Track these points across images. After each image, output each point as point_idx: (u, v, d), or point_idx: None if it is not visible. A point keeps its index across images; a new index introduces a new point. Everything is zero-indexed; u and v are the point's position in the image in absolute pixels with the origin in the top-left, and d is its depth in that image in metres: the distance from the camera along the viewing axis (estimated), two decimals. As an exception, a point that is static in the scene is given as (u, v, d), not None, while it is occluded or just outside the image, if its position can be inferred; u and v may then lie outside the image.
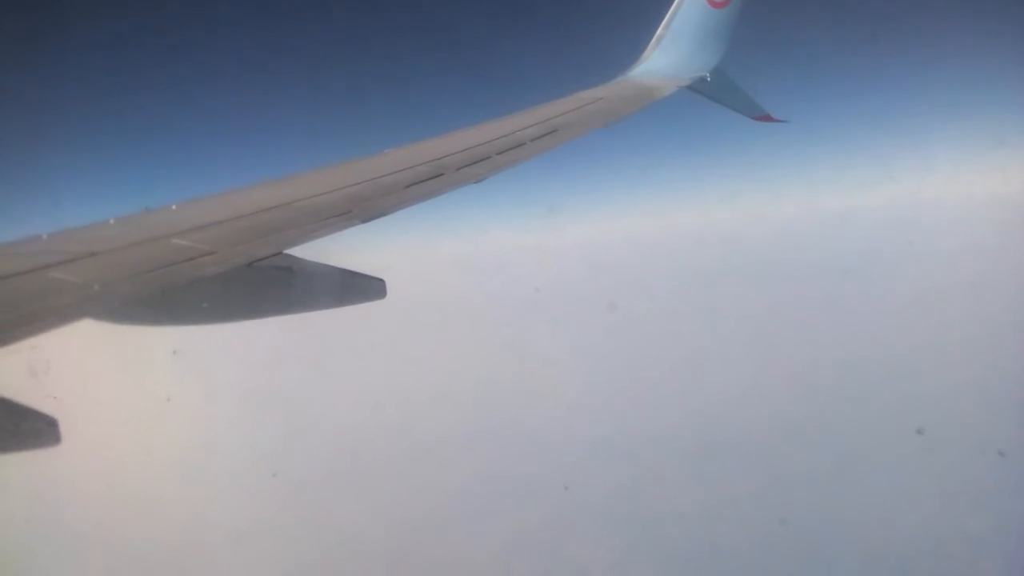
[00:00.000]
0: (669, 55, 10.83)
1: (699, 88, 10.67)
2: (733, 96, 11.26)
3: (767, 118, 11.31)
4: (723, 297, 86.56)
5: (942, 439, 39.43)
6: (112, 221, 5.13)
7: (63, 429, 3.53)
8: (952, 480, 36.65)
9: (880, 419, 42.81)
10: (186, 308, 4.76)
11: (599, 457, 43.78)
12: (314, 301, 5.17)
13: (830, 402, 47.50)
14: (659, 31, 10.94)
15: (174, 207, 5.48)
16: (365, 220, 5.18)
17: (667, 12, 10.96)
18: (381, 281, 5.26)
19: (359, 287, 5.24)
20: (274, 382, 54.99)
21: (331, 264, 5.12)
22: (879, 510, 35.51)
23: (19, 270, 4.04)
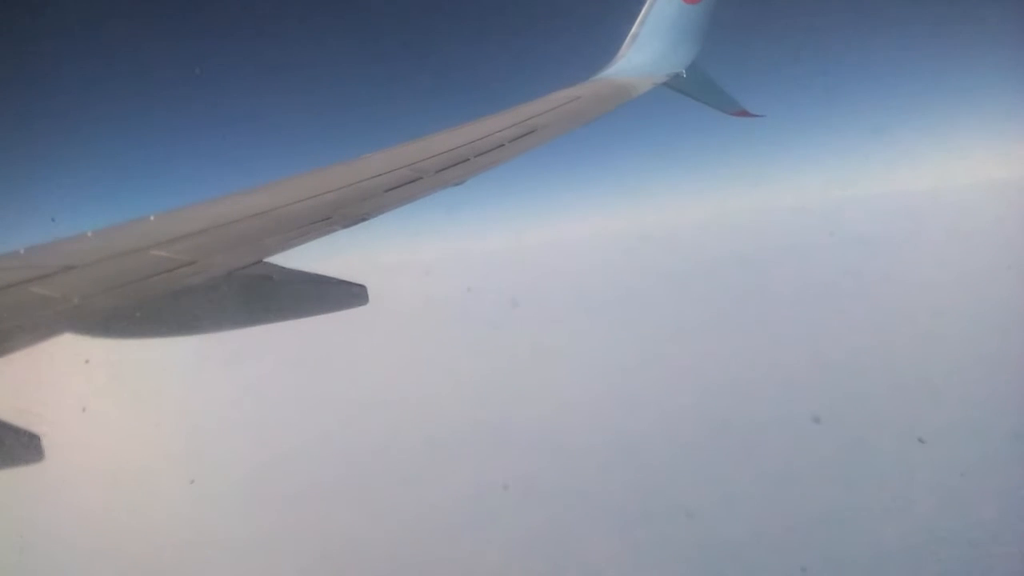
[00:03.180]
0: (645, 53, 10.84)
1: (675, 85, 10.69)
2: (709, 92, 11.30)
3: (744, 113, 11.36)
4: (703, 290, 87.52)
5: (930, 430, 40.26)
6: (90, 234, 5.10)
7: (47, 443, 3.51)
8: (946, 474, 37.37)
9: (873, 413, 43.46)
10: (167, 320, 4.73)
11: (583, 455, 44.07)
12: (296, 309, 5.14)
13: (811, 393, 48.16)
14: (634, 29, 10.96)
15: (152, 218, 5.44)
16: (345, 226, 5.16)
17: (641, 10, 10.98)
18: (363, 287, 5.24)
19: (341, 294, 5.22)
20: (257, 390, 54.94)
21: (312, 271, 5.09)
22: (868, 505, 36.02)
23: (-3, 286, 4.01)
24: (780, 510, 36.18)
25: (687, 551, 34.60)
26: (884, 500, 35.65)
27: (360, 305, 5.24)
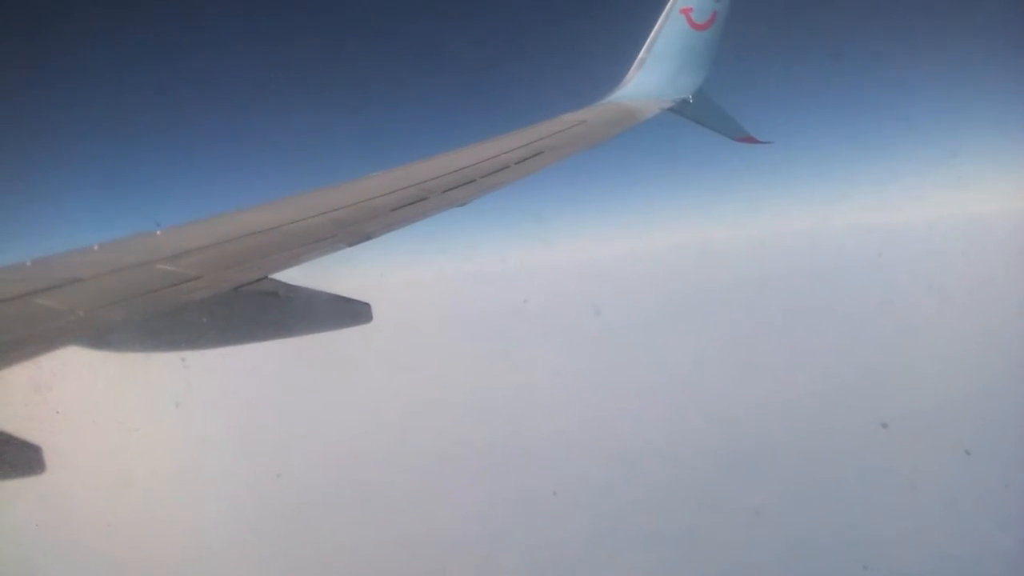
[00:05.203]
0: (652, 77, 10.88)
1: (682, 110, 10.72)
2: (716, 118, 11.32)
3: (750, 139, 11.37)
4: (704, 311, 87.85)
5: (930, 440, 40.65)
6: (96, 247, 5.10)
7: (49, 456, 3.50)
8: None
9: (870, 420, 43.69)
10: (172, 334, 4.72)
11: (589, 466, 44.17)
12: (300, 326, 5.14)
13: (812, 408, 48.43)
14: (642, 54, 10.99)
15: (159, 232, 5.45)
16: (351, 244, 5.17)
17: (650, 35, 11.03)
18: (367, 305, 5.24)
19: (345, 311, 5.22)
20: (261, 409, 54.79)
21: (317, 288, 5.09)
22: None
23: (3, 297, 4.01)
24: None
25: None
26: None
27: (364, 323, 5.24)
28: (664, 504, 39.59)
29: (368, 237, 5.32)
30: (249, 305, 4.70)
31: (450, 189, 6.39)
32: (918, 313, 69.79)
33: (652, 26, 11.00)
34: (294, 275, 4.86)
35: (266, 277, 4.67)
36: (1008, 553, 32.70)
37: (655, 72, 10.92)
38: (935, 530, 34.80)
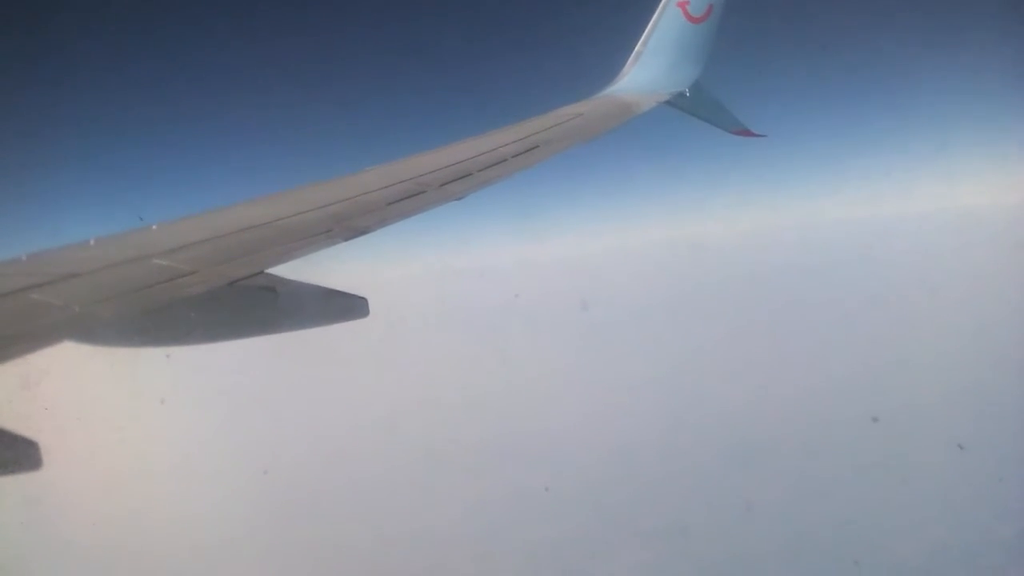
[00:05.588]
0: (648, 70, 10.87)
1: (678, 103, 10.72)
2: (712, 111, 11.32)
3: (746, 132, 11.37)
4: (695, 306, 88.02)
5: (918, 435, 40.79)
6: (92, 241, 5.08)
7: (45, 451, 3.48)
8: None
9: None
10: (167, 329, 4.71)
11: (582, 462, 44.24)
12: (296, 320, 5.13)
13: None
14: (638, 47, 10.99)
15: (154, 227, 5.43)
16: (347, 238, 5.15)
17: (646, 28, 11.01)
18: (364, 299, 5.23)
19: (341, 306, 5.21)
20: (259, 404, 54.74)
21: (313, 283, 5.08)
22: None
23: (-2, 292, 3.99)
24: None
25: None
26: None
27: (361, 317, 5.24)
28: (655, 500, 39.68)
29: (364, 231, 5.30)
30: (245, 300, 4.69)
31: (446, 183, 6.37)
32: (909, 307, 70.09)
33: (648, 19, 10.99)
34: (290, 270, 4.86)
35: (262, 272, 4.66)
36: (1000, 546, 32.83)
37: (651, 65, 10.91)
38: (926, 525, 34.94)
